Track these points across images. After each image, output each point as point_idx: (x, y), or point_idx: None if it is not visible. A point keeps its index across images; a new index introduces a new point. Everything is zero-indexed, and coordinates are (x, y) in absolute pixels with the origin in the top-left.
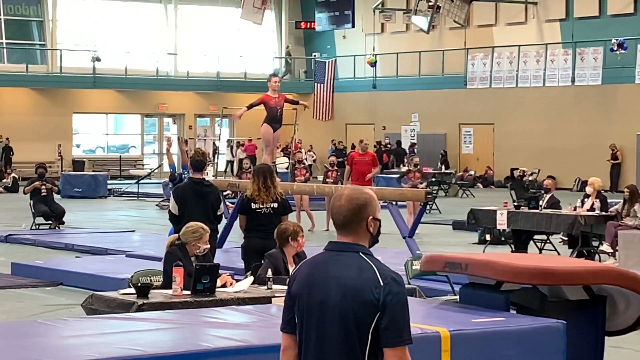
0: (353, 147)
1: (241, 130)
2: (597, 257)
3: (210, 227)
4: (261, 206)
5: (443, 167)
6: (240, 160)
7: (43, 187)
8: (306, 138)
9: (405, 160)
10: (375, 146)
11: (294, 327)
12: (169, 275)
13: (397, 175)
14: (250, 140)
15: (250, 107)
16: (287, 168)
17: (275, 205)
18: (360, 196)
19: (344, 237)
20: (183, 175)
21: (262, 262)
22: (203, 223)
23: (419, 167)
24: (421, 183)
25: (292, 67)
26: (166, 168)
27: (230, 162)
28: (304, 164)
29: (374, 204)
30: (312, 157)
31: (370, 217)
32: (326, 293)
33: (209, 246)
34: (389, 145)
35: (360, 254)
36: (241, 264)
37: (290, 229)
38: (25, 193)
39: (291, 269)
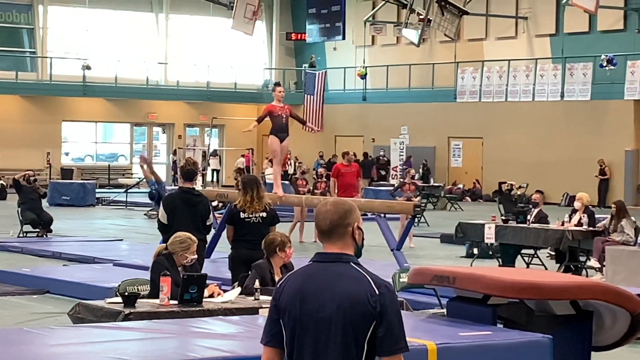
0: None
1: (230, 140)
2: (584, 272)
3: (199, 237)
4: (250, 215)
5: (421, 179)
6: (240, 170)
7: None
8: (295, 149)
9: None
10: (366, 157)
11: (279, 341)
12: (156, 285)
13: (391, 188)
14: (249, 150)
15: (259, 120)
16: None
17: (264, 214)
18: (345, 202)
19: (331, 245)
20: (153, 191)
21: (250, 272)
22: (192, 232)
23: (414, 179)
24: (415, 196)
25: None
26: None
27: (216, 171)
28: (322, 176)
29: (357, 213)
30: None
31: (356, 223)
32: (320, 304)
33: (196, 256)
34: (384, 159)
35: (352, 263)
36: (229, 274)
37: (277, 240)
38: (15, 179)
39: (277, 279)
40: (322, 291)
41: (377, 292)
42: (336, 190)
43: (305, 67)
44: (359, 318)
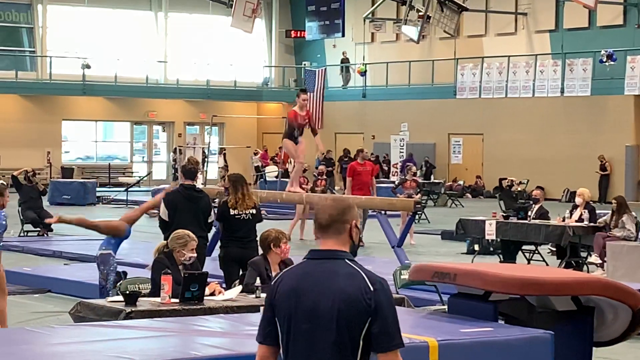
0: (345, 155)
1: (231, 138)
2: (585, 268)
3: (201, 234)
4: (241, 212)
5: (423, 177)
6: (257, 168)
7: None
8: None
9: (393, 169)
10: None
11: (274, 339)
12: (156, 284)
13: (392, 185)
14: (266, 150)
15: (290, 137)
16: (276, 177)
17: (254, 211)
18: (345, 199)
19: (327, 241)
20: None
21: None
22: (194, 230)
23: (416, 176)
24: (416, 193)
25: (286, 77)
26: (156, 176)
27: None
28: (322, 174)
29: (356, 211)
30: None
31: (354, 221)
32: (315, 301)
33: (194, 254)
34: (386, 156)
35: (346, 260)
36: None
37: (272, 235)
38: (13, 176)
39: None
40: (317, 288)
41: (371, 288)
42: (352, 190)
43: (304, 64)
44: (354, 315)
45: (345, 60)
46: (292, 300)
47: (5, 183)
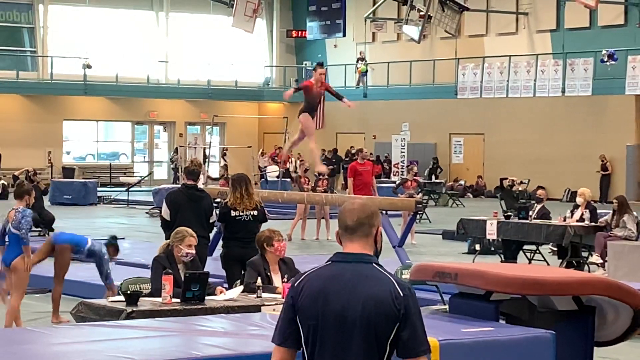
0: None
1: (232, 138)
2: (586, 267)
3: (203, 234)
4: (241, 214)
5: (433, 176)
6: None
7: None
8: (297, 147)
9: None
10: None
11: (295, 341)
12: (155, 282)
13: (393, 185)
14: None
15: (296, 89)
16: (277, 176)
17: (255, 212)
18: (373, 205)
19: (352, 244)
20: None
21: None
22: (196, 229)
23: (417, 176)
24: (417, 193)
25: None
26: (157, 175)
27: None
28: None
29: (381, 216)
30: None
31: (379, 227)
32: (344, 305)
33: (192, 251)
34: (387, 156)
35: (374, 264)
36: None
37: (264, 235)
38: (14, 176)
39: (274, 275)
40: (345, 292)
41: (401, 294)
42: (353, 190)
43: (305, 64)
44: (383, 320)
45: (362, 60)
46: (318, 303)
47: (6, 183)
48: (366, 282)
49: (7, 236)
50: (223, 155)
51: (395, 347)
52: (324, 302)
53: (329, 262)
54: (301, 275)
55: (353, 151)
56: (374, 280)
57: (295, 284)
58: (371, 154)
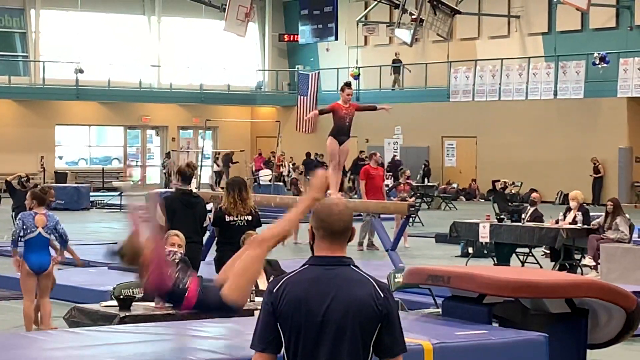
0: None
1: (225, 142)
2: (579, 270)
3: (196, 239)
4: (235, 219)
5: (426, 179)
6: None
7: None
8: (289, 151)
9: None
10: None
11: (276, 347)
12: None
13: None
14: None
15: (322, 112)
16: (270, 180)
17: (250, 218)
18: (349, 205)
19: (335, 248)
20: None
21: None
22: (190, 234)
23: (409, 179)
24: (410, 196)
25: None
26: (150, 180)
27: (217, 174)
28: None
29: None
30: (299, 169)
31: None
32: (327, 309)
33: (176, 249)
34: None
35: (352, 266)
36: None
37: (244, 238)
38: (7, 181)
39: (259, 278)
40: (328, 296)
41: (382, 295)
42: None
43: (298, 68)
44: (367, 322)
45: (396, 61)
46: (300, 308)
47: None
48: (348, 285)
49: (29, 240)
50: (215, 159)
51: (375, 348)
52: (306, 308)
53: (306, 266)
54: (278, 280)
55: (363, 156)
56: (356, 282)
57: (274, 290)
58: (367, 157)
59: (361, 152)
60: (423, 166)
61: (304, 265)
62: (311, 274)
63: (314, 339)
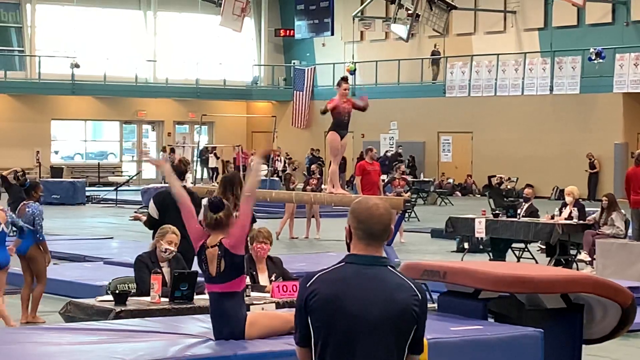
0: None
1: (220, 137)
2: (574, 265)
3: None
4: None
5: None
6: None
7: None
8: (285, 146)
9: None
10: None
11: (309, 342)
12: (143, 282)
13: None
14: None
15: (324, 112)
16: (265, 175)
17: None
18: (390, 207)
19: (373, 248)
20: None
21: None
22: (183, 230)
23: (404, 174)
24: (405, 191)
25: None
26: (146, 175)
27: (213, 169)
28: (314, 173)
29: None
30: (293, 165)
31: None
32: (361, 308)
33: (172, 248)
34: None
35: (389, 267)
36: None
37: (252, 232)
38: (2, 176)
39: (261, 274)
40: (362, 295)
41: (420, 297)
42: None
43: (294, 63)
44: (405, 324)
45: (435, 53)
46: (333, 306)
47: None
48: (385, 286)
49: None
50: (201, 155)
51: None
52: (339, 305)
53: (342, 263)
54: (312, 275)
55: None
56: (393, 283)
57: (307, 285)
58: (362, 152)
59: (317, 149)
60: (407, 161)
61: (339, 262)
62: (345, 272)
63: (343, 337)
